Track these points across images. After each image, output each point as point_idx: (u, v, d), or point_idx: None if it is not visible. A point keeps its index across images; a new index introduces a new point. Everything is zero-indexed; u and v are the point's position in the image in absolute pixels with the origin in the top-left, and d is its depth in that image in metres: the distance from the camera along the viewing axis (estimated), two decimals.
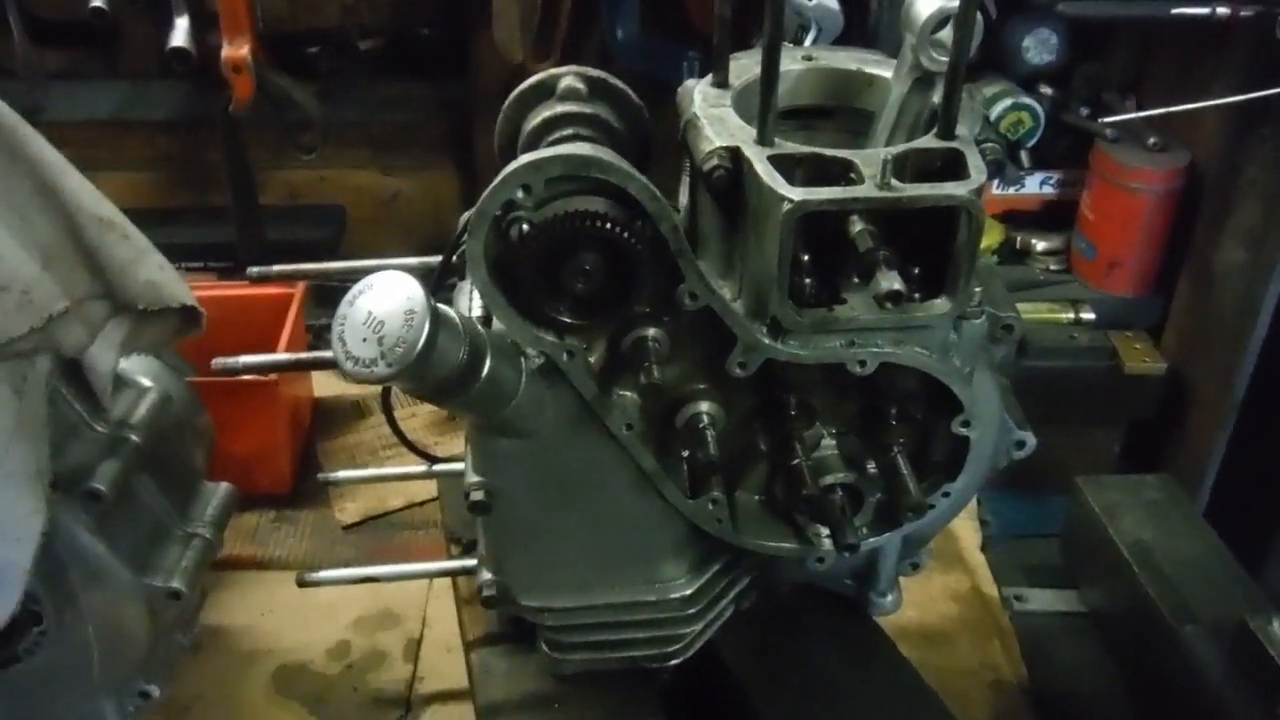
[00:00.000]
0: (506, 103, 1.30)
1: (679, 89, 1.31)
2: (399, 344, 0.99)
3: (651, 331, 1.19)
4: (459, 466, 1.73)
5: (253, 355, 1.37)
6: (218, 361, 1.35)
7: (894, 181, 1.09)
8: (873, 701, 1.52)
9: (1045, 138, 2.21)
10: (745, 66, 1.31)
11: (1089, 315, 2.21)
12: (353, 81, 2.78)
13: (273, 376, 2.09)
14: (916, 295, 1.16)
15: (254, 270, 1.42)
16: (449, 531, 1.75)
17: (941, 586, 2.10)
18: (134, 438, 1.56)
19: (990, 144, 1.19)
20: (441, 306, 1.03)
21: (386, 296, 1.01)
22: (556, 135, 1.25)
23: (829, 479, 1.33)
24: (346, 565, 2.11)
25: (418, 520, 2.22)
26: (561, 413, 1.23)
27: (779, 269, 1.11)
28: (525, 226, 1.08)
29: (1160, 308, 2.25)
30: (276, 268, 1.42)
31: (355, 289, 1.03)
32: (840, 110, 1.36)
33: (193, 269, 2.85)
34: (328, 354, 1.38)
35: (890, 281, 1.06)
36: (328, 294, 2.73)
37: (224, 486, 1.77)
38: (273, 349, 2.22)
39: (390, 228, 3.06)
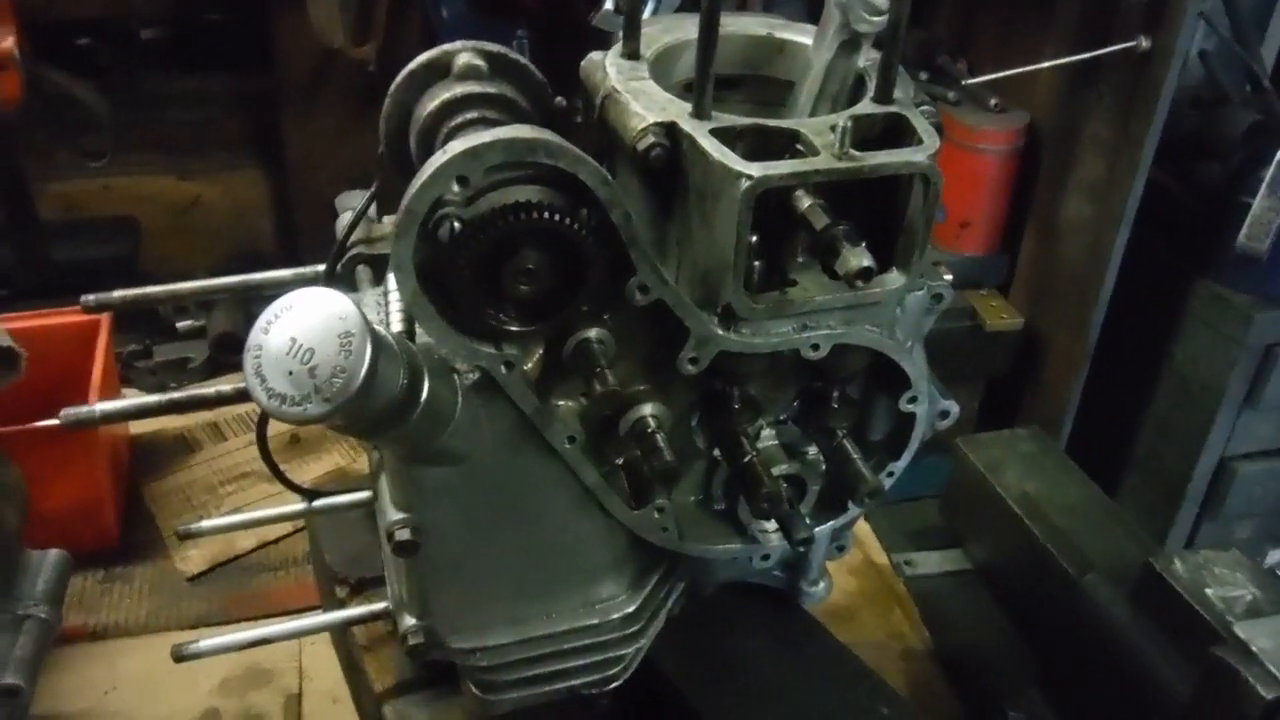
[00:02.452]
0: (394, 85, 1.14)
1: (582, 63, 1.19)
2: (336, 375, 0.83)
3: (595, 333, 1.07)
4: (337, 500, 1.55)
5: (110, 401, 1.15)
6: (68, 413, 1.12)
7: (852, 150, 1.02)
8: (818, 692, 1.46)
9: None
10: (651, 35, 1.20)
11: (947, 276, 2.23)
12: (136, 76, 2.48)
13: None
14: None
15: (90, 299, 1.19)
16: (330, 572, 1.57)
17: (835, 561, 2.08)
18: None
19: (927, 106, 1.14)
20: (374, 325, 0.88)
21: (311, 318, 0.84)
22: (460, 119, 1.11)
23: (774, 471, 1.25)
24: (199, 623, 1.88)
25: (274, 560, 2.00)
26: (499, 432, 1.09)
27: (735, 253, 1.02)
28: (456, 225, 0.93)
29: (1008, 265, 2.32)
30: (118, 293, 1.19)
31: (268, 313, 0.86)
32: (748, 79, 1.28)
33: None
34: (207, 390, 1.20)
35: (859, 258, 0.98)
36: (132, 319, 2.43)
37: (53, 554, 1.52)
38: (82, 387, 1.94)
39: (191, 238, 2.77)
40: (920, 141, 1.06)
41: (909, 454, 1.30)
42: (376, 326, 0.89)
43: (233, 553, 1.99)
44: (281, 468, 1.63)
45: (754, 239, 1.07)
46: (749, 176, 0.98)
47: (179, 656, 1.27)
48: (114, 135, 2.29)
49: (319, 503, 1.51)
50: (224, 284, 1.24)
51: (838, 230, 1.00)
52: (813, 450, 1.30)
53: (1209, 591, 1.54)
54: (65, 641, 1.81)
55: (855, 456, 1.23)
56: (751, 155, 1.04)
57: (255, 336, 0.85)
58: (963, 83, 2.08)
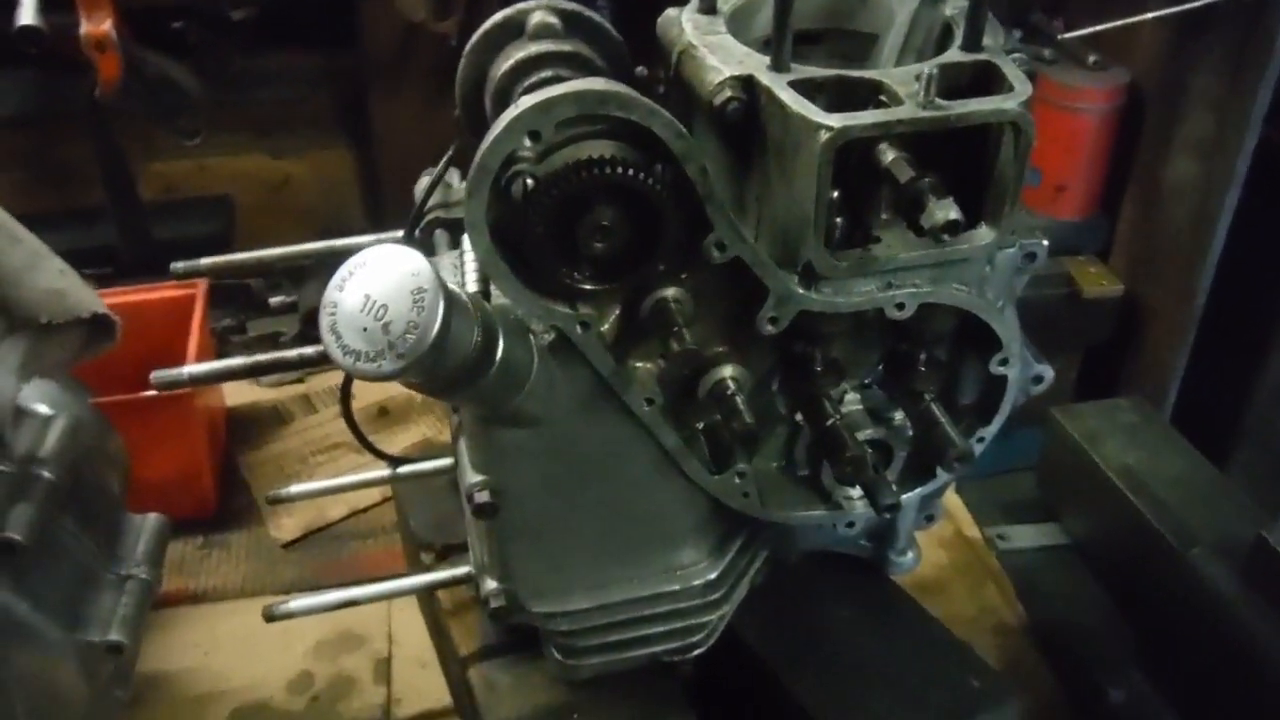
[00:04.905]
0: (469, 45, 1.13)
1: (659, 20, 1.17)
2: (409, 330, 0.83)
3: (672, 292, 1.05)
4: (422, 466, 1.57)
5: (199, 364, 1.18)
6: (158, 375, 1.15)
7: (938, 100, 0.98)
8: (905, 662, 1.42)
9: None
10: None
11: (1044, 242, 2.16)
12: (227, 56, 2.52)
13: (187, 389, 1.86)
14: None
15: (179, 265, 1.22)
16: (416, 538, 1.58)
17: (925, 534, 2.03)
18: (47, 474, 1.35)
19: (1018, 54, 1.09)
20: (447, 283, 0.87)
21: (385, 275, 0.84)
22: (535, 78, 1.09)
23: (859, 436, 1.22)
24: (292, 588, 1.92)
25: (364, 529, 2.03)
26: (575, 394, 1.08)
27: (815, 208, 0.99)
28: (530, 182, 0.92)
29: (1107, 229, 2.23)
30: (206, 261, 1.22)
31: (343, 270, 0.86)
32: (830, 33, 1.24)
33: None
34: (290, 353, 1.22)
35: (946, 210, 0.94)
36: (227, 294, 2.50)
37: (153, 518, 1.56)
38: (179, 359, 1.99)
39: (283, 215, 2.82)
40: (1011, 89, 1.01)
41: (1000, 419, 1.26)
42: (450, 285, 0.89)
43: (324, 521, 2.03)
44: (369, 438, 1.66)
45: (835, 195, 1.04)
46: (829, 128, 0.95)
47: (270, 616, 1.30)
48: (207, 115, 2.34)
49: (404, 469, 1.52)
50: (308, 250, 1.25)
51: (923, 183, 0.97)
52: (899, 415, 1.26)
53: None
54: (166, 604, 1.87)
55: (943, 420, 1.19)
56: (833, 108, 1.01)
57: (330, 294, 0.86)
58: (1059, 38, 1.99)
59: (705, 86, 1.03)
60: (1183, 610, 1.68)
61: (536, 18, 1.11)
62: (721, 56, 1.05)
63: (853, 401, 1.25)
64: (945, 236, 0.96)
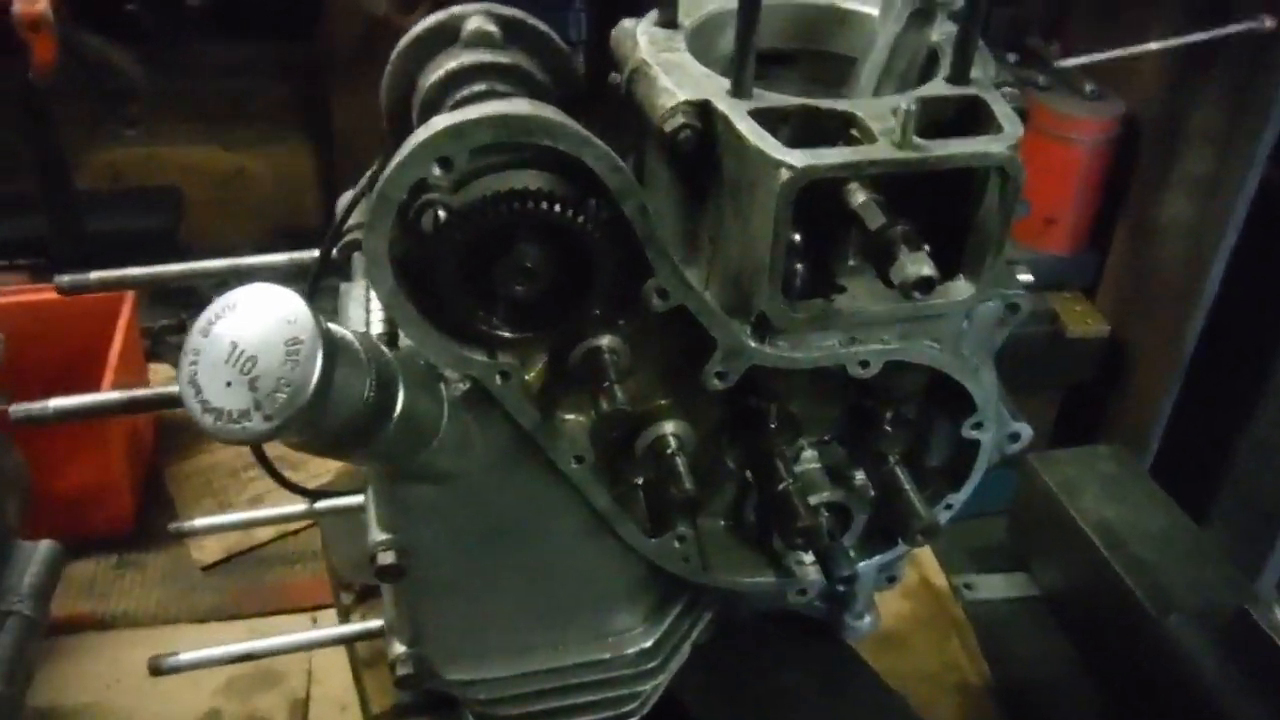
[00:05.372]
0: (395, 52, 1.01)
1: (613, 32, 1.05)
2: (280, 388, 0.70)
3: (606, 340, 0.93)
4: (345, 501, 1.44)
5: (66, 398, 1.05)
6: (17, 409, 1.02)
7: (915, 139, 0.86)
8: None
9: None
10: (690, 2, 1.05)
11: (1026, 277, 2.04)
12: (181, 44, 2.39)
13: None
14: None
15: (64, 279, 1.09)
16: (336, 577, 1.46)
17: None
18: None
19: (1009, 89, 0.97)
20: (334, 327, 0.75)
21: (256, 320, 0.72)
22: (466, 92, 0.97)
23: (814, 498, 1.10)
24: (209, 616, 1.80)
25: (292, 553, 1.91)
26: (494, 449, 0.96)
27: (772, 254, 0.87)
28: (442, 213, 0.80)
29: (1095, 266, 2.12)
30: (95, 274, 1.09)
31: (211, 310, 0.74)
32: (804, 55, 1.13)
33: (2, 268, 2.43)
34: (172, 389, 1.08)
35: (919, 266, 0.83)
36: (169, 291, 2.36)
37: (45, 545, 1.43)
38: (102, 363, 1.86)
39: (234, 211, 2.69)
40: (999, 129, 0.90)
41: (971, 485, 1.14)
42: (339, 328, 0.76)
43: (250, 543, 1.90)
44: (300, 459, 1.53)
45: (797, 237, 0.92)
46: (790, 166, 0.83)
47: (156, 669, 1.17)
48: (152, 103, 2.21)
49: (323, 504, 1.40)
50: (209, 267, 1.13)
51: (895, 231, 0.85)
52: (860, 475, 1.15)
53: None
54: (71, 630, 1.74)
55: (907, 487, 1.08)
56: (798, 141, 0.90)
57: (193, 339, 0.73)
58: (1055, 64, 1.88)
59: (656, 111, 0.91)
60: (1157, 678, 1.58)
61: (473, 24, 0.99)
62: (677, 77, 0.93)
63: (810, 459, 1.13)
64: (916, 294, 0.85)
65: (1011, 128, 0.89)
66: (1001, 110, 0.91)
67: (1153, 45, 1.76)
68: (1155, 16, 1.89)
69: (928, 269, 0.83)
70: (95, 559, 1.85)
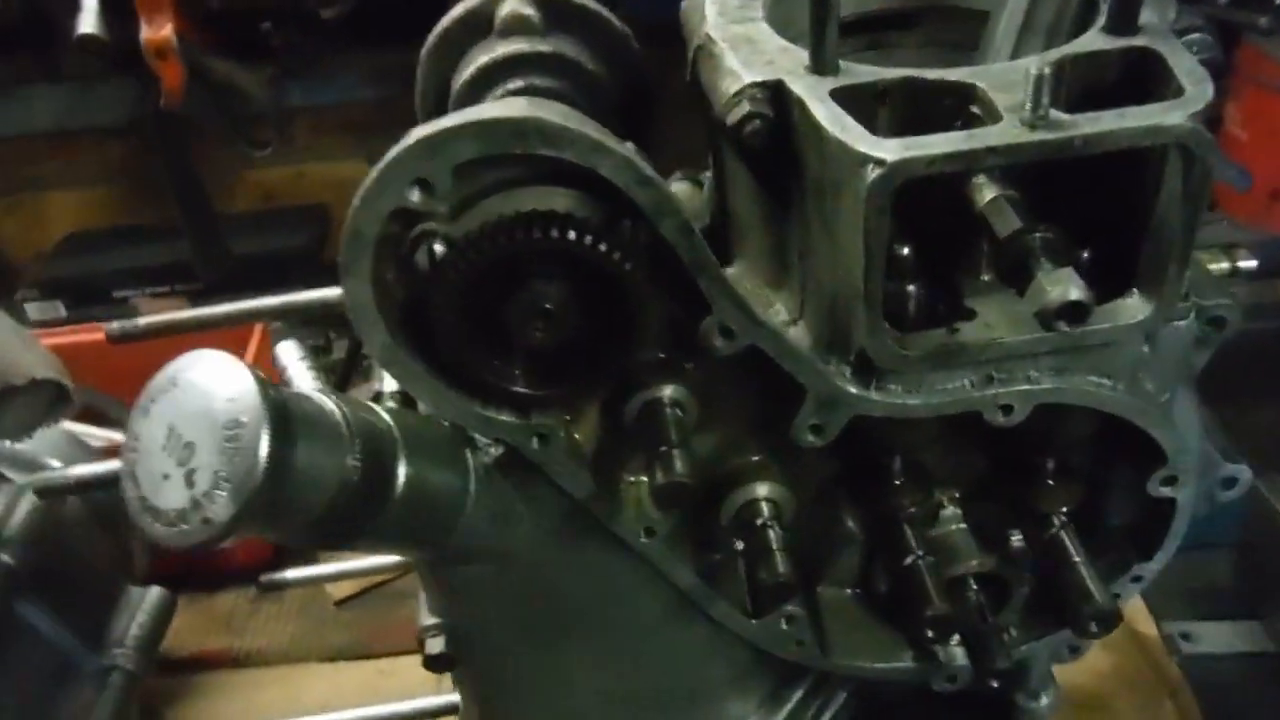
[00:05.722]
0: (425, 48, 0.87)
1: (682, 7, 0.86)
2: (219, 482, 0.56)
3: (668, 391, 0.75)
4: None
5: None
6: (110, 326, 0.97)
7: (1054, 113, 0.64)
8: None
9: None
10: None
11: (1249, 263, 1.70)
12: (316, 57, 2.35)
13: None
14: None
15: (114, 327, 1.01)
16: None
17: None
18: (5, 558, 1.18)
19: (1198, 34, 0.73)
20: (297, 396, 0.61)
21: (197, 397, 0.59)
22: (500, 90, 0.82)
23: (958, 569, 0.88)
24: (339, 655, 1.73)
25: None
26: (544, 522, 0.79)
27: (866, 275, 0.67)
28: (439, 247, 0.64)
29: None
30: (143, 321, 1.01)
31: (155, 383, 0.61)
32: (929, 13, 0.91)
33: (159, 294, 2.48)
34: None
35: (1064, 286, 0.61)
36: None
37: (153, 593, 1.38)
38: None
39: None
40: (1179, 91, 0.66)
41: (1167, 555, 0.89)
42: (308, 396, 0.62)
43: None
44: None
45: (905, 250, 0.72)
46: (878, 161, 0.63)
47: None
48: (279, 124, 2.18)
49: None
50: (259, 306, 1.02)
51: (1033, 240, 0.64)
52: (1018, 536, 0.92)
53: None
54: (207, 667, 1.71)
55: (1078, 559, 0.84)
56: (902, 126, 0.69)
57: (134, 420, 0.60)
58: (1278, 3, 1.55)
59: (721, 97, 0.73)
60: None
61: (508, 8, 0.82)
62: (746, 55, 0.74)
63: (951, 519, 0.91)
64: (1062, 325, 0.63)
65: (1197, 88, 0.66)
66: (1183, 65, 0.67)
67: None
68: None
69: (1076, 292, 0.61)
70: (235, 592, 1.82)
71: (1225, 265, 1.88)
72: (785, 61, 0.73)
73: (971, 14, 0.88)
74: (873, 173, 0.63)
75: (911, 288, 0.73)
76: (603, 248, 0.64)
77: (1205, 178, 0.66)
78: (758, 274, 0.82)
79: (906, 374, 0.73)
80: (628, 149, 0.63)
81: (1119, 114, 0.64)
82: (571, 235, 0.63)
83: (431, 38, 0.86)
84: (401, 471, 0.67)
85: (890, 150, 0.63)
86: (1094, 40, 0.71)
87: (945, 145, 0.63)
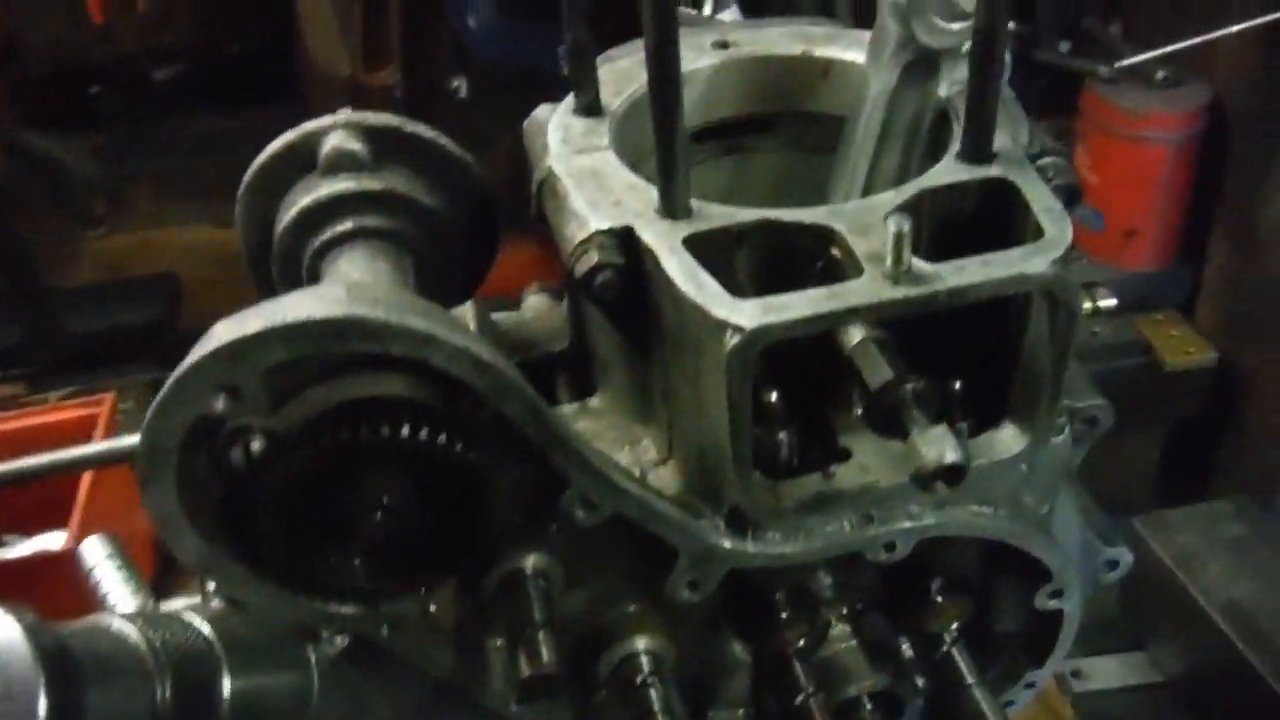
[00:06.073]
0: (244, 184, 0.79)
1: (525, 125, 0.81)
2: None
3: (531, 561, 0.69)
4: None
5: None
6: None
7: (916, 265, 0.60)
8: None
9: (1013, 83, 1.75)
10: (626, 73, 0.81)
11: (1109, 301, 1.74)
12: (152, 122, 2.22)
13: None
14: (964, 427, 0.68)
15: None
16: None
17: None
18: None
19: (1053, 159, 0.71)
20: (89, 633, 0.53)
21: None
22: (329, 234, 0.75)
23: (850, 691, 0.85)
24: None
25: None
26: (402, 702, 0.73)
27: (733, 438, 0.63)
28: (256, 444, 0.57)
29: (1190, 281, 1.81)
30: None
31: None
32: (786, 117, 0.87)
33: None
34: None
35: (939, 448, 0.58)
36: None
37: None
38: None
39: (239, 291, 2.51)
40: (1037, 231, 0.63)
41: (1057, 659, 0.88)
42: (107, 626, 0.54)
43: None
44: None
45: (774, 397, 0.68)
46: (737, 329, 0.58)
47: None
48: (112, 196, 2.04)
49: None
50: (25, 466, 0.91)
51: (904, 391, 0.60)
52: (909, 647, 0.89)
53: None
54: None
55: (970, 681, 0.82)
56: (760, 268, 0.66)
57: None
58: (1117, 64, 1.58)
59: (567, 245, 0.68)
60: None
61: (332, 142, 0.75)
62: (592, 194, 0.69)
63: (841, 637, 0.87)
64: (940, 486, 0.59)
65: (1056, 228, 0.63)
66: (1040, 200, 0.65)
67: (1234, 27, 1.45)
68: None
69: (951, 454, 0.58)
70: None
71: (1087, 305, 1.91)
72: (634, 202, 0.68)
73: (829, 118, 0.85)
74: (732, 339, 0.59)
75: (783, 434, 0.68)
76: (441, 440, 0.58)
77: (1071, 320, 0.64)
78: (623, 408, 0.77)
79: (780, 523, 0.69)
80: (463, 327, 0.57)
81: (983, 262, 0.61)
82: (405, 431, 0.57)
83: (250, 174, 0.78)
84: (226, 688, 0.60)
85: (748, 316, 0.59)
86: (950, 170, 0.68)
87: (806, 307, 0.59)
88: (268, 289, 0.83)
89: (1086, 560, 0.95)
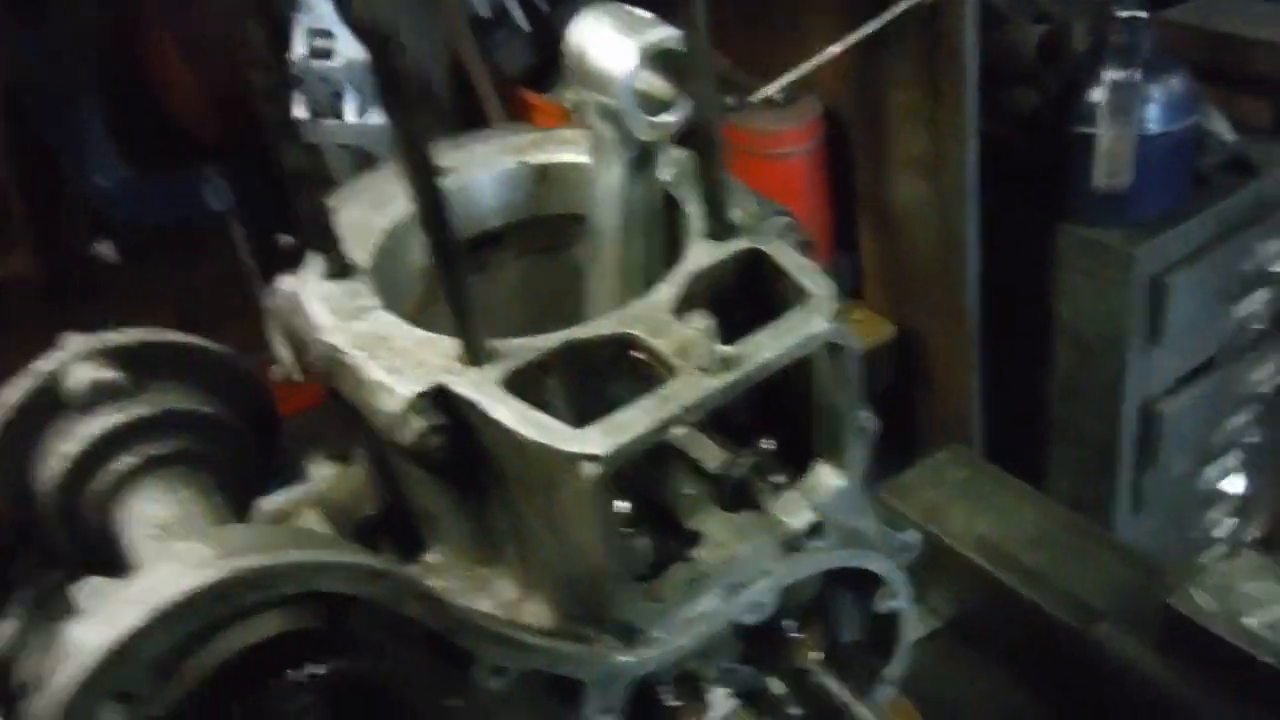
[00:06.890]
0: None
1: (269, 305, 0.77)
2: None
3: None
4: None
5: None
6: None
7: (722, 350, 0.64)
8: None
9: None
10: (360, 224, 0.80)
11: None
12: None
13: None
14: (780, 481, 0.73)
15: None
16: None
17: None
18: None
19: (784, 219, 0.78)
20: None
21: None
22: (112, 476, 0.67)
23: None
24: None
25: None
26: None
27: (609, 560, 0.64)
28: None
29: (852, 267, 2.02)
30: None
31: None
32: (512, 228, 0.90)
33: None
34: None
35: (800, 512, 0.65)
36: None
37: None
38: None
39: None
40: (801, 292, 0.70)
41: (903, 656, 0.96)
42: None
43: None
44: None
45: (627, 506, 0.69)
46: (594, 458, 0.59)
47: None
48: None
49: None
50: None
51: (744, 468, 0.64)
52: (778, 685, 0.94)
53: (1249, 621, 1.28)
54: None
55: (846, 700, 0.87)
56: (568, 389, 0.67)
57: None
58: (747, 99, 1.74)
59: (378, 416, 0.66)
60: (1096, 696, 1.47)
61: (78, 375, 0.68)
62: (387, 360, 0.67)
63: (722, 700, 0.90)
64: (805, 542, 0.64)
65: (818, 286, 0.70)
66: (793, 263, 0.71)
67: (834, 48, 1.65)
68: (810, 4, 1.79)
69: (810, 514, 0.62)
70: None
71: None
72: (433, 357, 0.67)
73: (557, 218, 0.88)
74: (589, 470, 0.60)
75: (644, 539, 0.70)
76: (334, 664, 0.54)
77: (854, 359, 0.70)
78: (465, 557, 0.75)
79: (665, 621, 0.71)
80: (346, 547, 0.54)
81: (773, 335, 0.67)
82: (290, 672, 0.53)
83: None
84: None
85: (598, 443, 0.60)
86: (706, 251, 0.73)
87: (646, 419, 0.62)
88: (46, 564, 0.73)
89: (891, 552, 1.04)
